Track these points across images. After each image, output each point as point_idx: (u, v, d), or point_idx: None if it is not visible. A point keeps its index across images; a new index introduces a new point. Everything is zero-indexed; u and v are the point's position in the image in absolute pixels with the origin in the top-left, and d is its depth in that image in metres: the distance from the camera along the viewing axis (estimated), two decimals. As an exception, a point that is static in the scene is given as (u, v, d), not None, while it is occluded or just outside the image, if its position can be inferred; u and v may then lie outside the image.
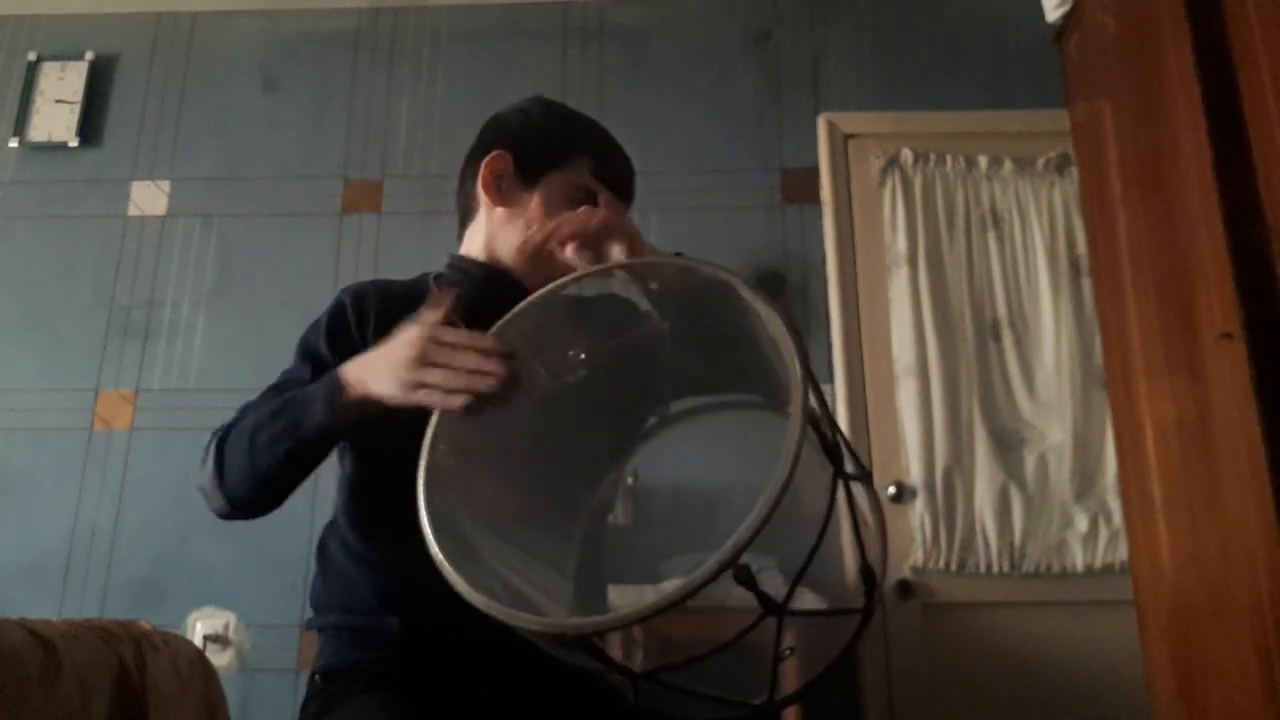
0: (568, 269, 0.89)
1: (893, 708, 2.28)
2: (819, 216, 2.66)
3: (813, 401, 0.66)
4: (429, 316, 0.85)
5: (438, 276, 1.13)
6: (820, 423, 0.69)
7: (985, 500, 2.38)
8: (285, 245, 2.73)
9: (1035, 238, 2.58)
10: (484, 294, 0.96)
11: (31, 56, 2.88)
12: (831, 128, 2.74)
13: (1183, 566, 1.62)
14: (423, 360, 0.82)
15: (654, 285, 0.82)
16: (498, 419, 0.80)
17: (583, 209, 0.94)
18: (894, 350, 2.53)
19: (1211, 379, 1.49)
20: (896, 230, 2.60)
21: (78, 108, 2.84)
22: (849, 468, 0.72)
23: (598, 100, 2.79)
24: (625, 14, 2.91)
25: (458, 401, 0.77)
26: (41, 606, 2.33)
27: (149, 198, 2.80)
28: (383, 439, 0.91)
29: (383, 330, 1.03)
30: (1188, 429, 1.58)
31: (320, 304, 1.11)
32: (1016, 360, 2.50)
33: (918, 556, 2.36)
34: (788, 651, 0.68)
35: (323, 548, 1.06)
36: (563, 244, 0.91)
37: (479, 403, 0.78)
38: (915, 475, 2.42)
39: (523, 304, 0.85)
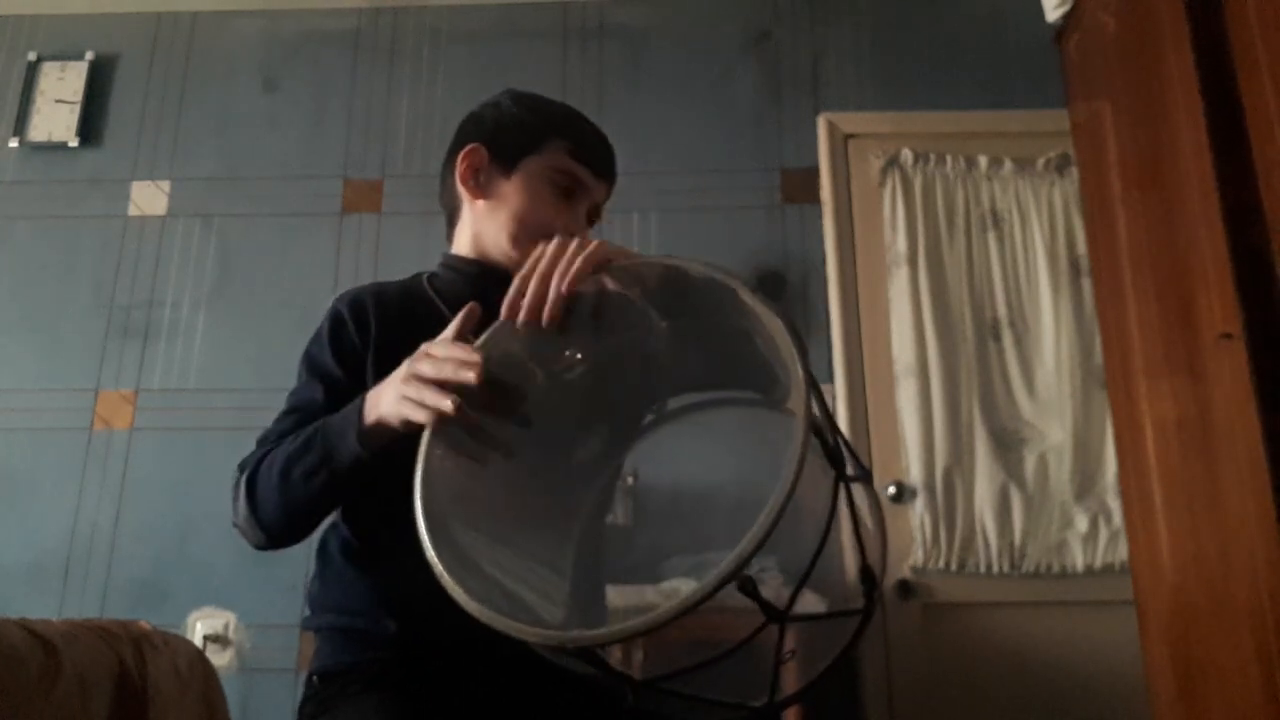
0: None
1: (893, 708, 2.28)
2: (819, 216, 2.66)
3: (814, 407, 0.66)
4: (445, 334, 0.84)
5: (431, 276, 1.13)
6: (822, 429, 0.68)
7: (985, 500, 2.38)
8: (285, 245, 2.73)
9: (1035, 238, 2.58)
10: (478, 290, 0.95)
11: (31, 56, 2.88)
12: (831, 128, 2.74)
13: (1183, 566, 1.62)
14: (413, 375, 0.82)
15: (649, 285, 0.81)
16: (494, 420, 0.80)
17: (556, 241, 0.84)
18: (894, 350, 2.52)
19: (1211, 379, 1.49)
20: (896, 230, 2.60)
21: (78, 108, 2.84)
22: (849, 469, 0.72)
23: (598, 100, 2.79)
24: (625, 14, 2.91)
25: (446, 404, 0.77)
26: (41, 606, 2.33)
27: (149, 198, 2.80)
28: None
29: (385, 334, 1.03)
30: (1188, 429, 1.58)
31: (320, 304, 1.10)
32: (1016, 360, 2.50)
33: (918, 556, 2.36)
34: (789, 655, 0.68)
35: (323, 547, 1.06)
36: (545, 279, 0.81)
37: (473, 406, 0.78)
38: (915, 475, 2.41)
39: None
